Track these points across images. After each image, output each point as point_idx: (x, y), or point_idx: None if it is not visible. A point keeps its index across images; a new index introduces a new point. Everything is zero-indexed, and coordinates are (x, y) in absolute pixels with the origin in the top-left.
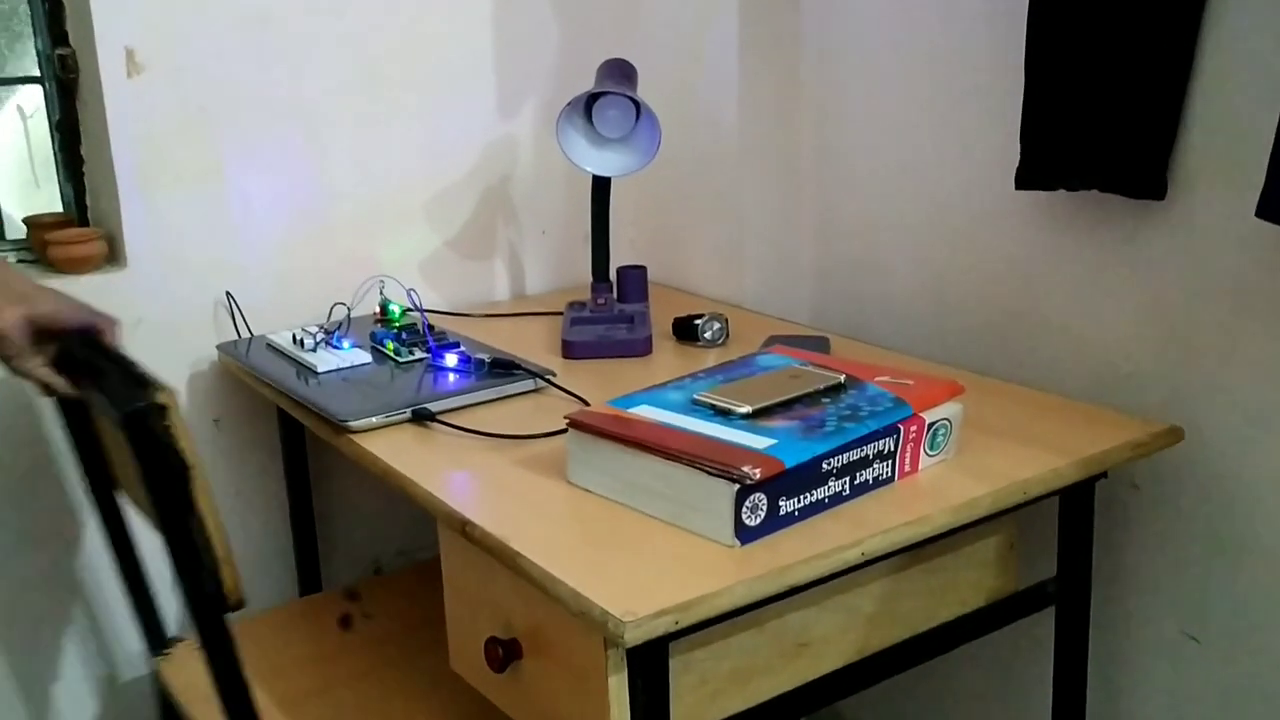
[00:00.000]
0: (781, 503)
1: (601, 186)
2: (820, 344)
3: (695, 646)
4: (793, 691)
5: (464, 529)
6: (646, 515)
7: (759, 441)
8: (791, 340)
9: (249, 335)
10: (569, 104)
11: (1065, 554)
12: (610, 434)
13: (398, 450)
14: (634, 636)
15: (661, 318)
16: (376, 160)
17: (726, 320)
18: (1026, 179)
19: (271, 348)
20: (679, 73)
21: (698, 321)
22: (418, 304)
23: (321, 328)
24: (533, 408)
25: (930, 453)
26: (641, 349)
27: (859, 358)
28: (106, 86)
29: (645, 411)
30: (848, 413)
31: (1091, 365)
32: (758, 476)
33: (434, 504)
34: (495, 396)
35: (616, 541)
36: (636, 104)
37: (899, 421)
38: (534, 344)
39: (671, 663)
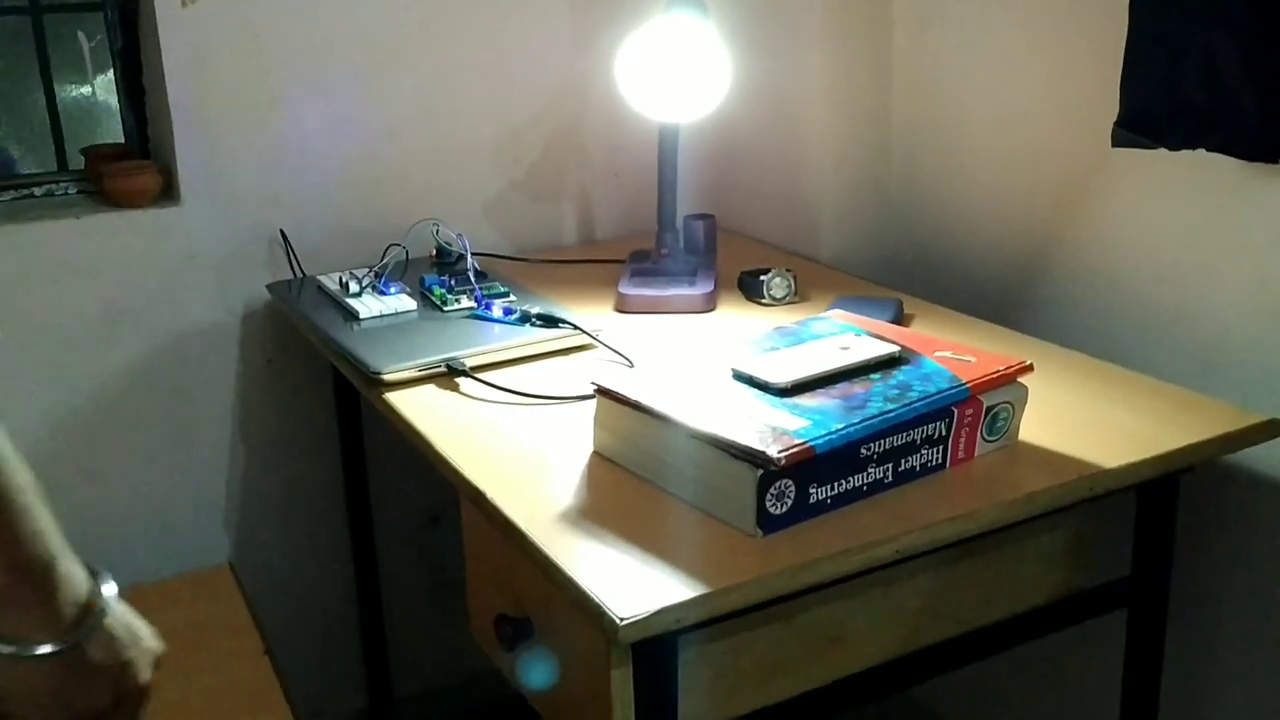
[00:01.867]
0: (812, 490)
1: (669, 130)
2: (892, 307)
3: (713, 639)
4: (824, 689)
5: (477, 500)
6: (669, 494)
7: (792, 421)
8: (861, 302)
9: (302, 275)
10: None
11: (1141, 553)
12: (635, 404)
13: (426, 406)
14: (629, 635)
15: (732, 271)
16: (441, 96)
17: (795, 277)
18: (1124, 136)
19: (321, 290)
20: (756, 4)
21: (763, 278)
22: (466, 248)
23: (372, 270)
24: (578, 365)
25: (989, 438)
26: (701, 305)
27: (933, 324)
28: (160, 13)
29: (678, 380)
30: (895, 392)
31: (1187, 343)
32: (783, 463)
33: (450, 470)
34: (536, 352)
35: (632, 523)
36: None
37: (953, 404)
38: (594, 294)
39: (683, 656)
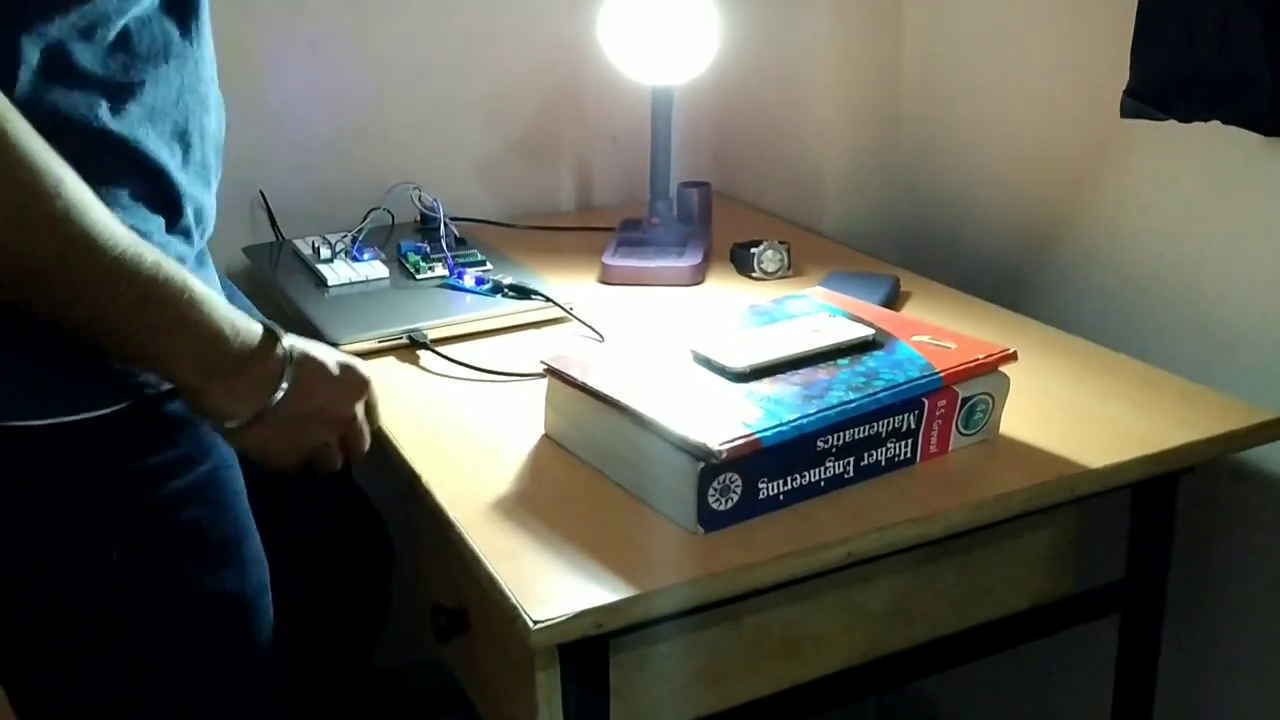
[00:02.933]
0: (762, 485)
1: (662, 93)
2: (886, 285)
3: (653, 641)
4: (779, 695)
5: (412, 484)
6: (615, 484)
7: (747, 410)
8: (855, 278)
9: (280, 239)
10: None
11: (1136, 557)
12: (580, 385)
13: (382, 379)
14: (544, 639)
15: (726, 242)
16: (431, 53)
17: (789, 249)
18: (1133, 107)
19: (296, 254)
20: None
21: (754, 250)
22: (441, 212)
23: (350, 235)
24: (550, 339)
25: (965, 432)
26: (688, 278)
27: (929, 303)
28: None
29: (637, 360)
30: (861, 380)
31: (1195, 328)
32: (724, 456)
33: (392, 448)
34: (505, 324)
35: (572, 515)
36: None
37: (924, 395)
38: (582, 263)
39: (618, 659)
